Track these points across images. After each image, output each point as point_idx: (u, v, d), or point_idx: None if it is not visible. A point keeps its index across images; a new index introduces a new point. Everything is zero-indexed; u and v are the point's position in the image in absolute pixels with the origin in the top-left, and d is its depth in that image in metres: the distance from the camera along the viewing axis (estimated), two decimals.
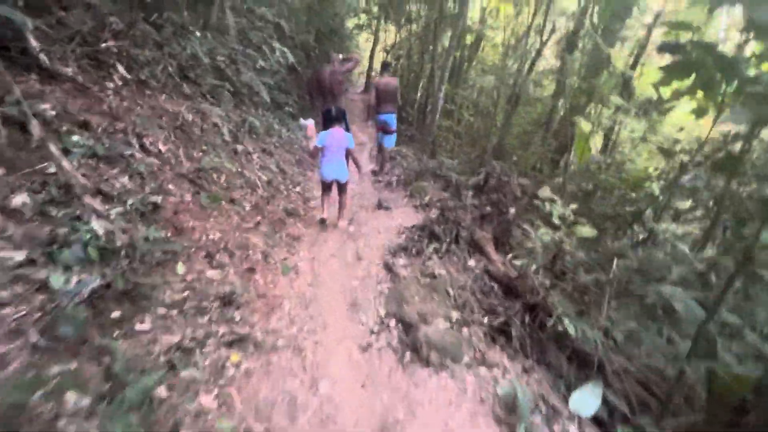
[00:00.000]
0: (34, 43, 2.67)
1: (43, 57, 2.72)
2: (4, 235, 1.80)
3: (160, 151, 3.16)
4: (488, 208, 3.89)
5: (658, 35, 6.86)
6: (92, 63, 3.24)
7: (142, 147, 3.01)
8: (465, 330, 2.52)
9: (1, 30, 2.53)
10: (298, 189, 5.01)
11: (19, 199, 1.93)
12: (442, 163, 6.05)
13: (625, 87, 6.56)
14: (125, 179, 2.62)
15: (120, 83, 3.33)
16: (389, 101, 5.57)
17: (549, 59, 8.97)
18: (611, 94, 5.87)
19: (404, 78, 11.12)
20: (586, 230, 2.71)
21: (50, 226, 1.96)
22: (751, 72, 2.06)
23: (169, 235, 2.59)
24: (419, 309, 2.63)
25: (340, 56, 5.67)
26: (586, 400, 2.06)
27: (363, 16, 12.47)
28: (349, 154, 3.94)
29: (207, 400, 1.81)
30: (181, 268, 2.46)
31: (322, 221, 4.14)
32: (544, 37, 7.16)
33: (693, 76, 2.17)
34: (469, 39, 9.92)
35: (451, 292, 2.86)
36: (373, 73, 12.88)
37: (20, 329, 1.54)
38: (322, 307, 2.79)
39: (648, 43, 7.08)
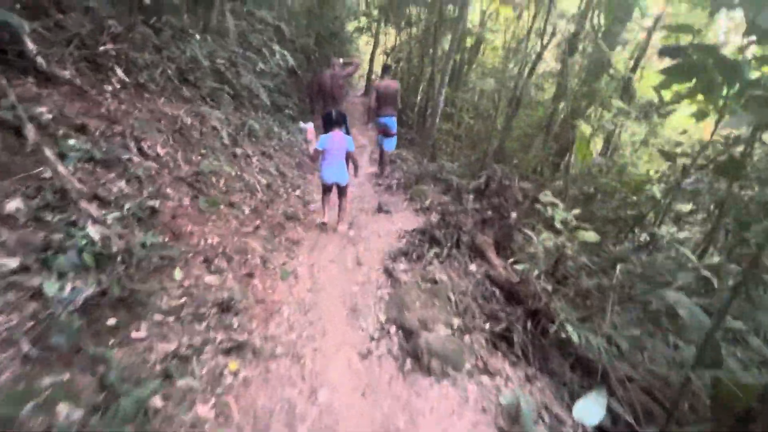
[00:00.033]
0: (31, 46, 2.64)
1: (40, 60, 2.70)
2: None
3: (158, 154, 3.13)
4: (489, 213, 3.85)
5: (658, 38, 6.86)
6: (90, 66, 3.21)
7: (140, 151, 2.98)
8: (466, 337, 2.48)
9: None
10: (297, 192, 4.98)
11: (13, 205, 1.90)
12: (443, 166, 6.02)
13: (626, 90, 6.55)
14: (122, 183, 2.59)
15: (118, 86, 3.31)
16: (389, 104, 5.56)
17: (549, 62, 8.97)
18: (612, 97, 5.85)
19: (404, 81, 11.12)
20: (590, 235, 2.68)
21: (45, 232, 1.92)
22: (753, 75, 2.04)
23: (166, 240, 2.56)
24: (420, 315, 2.60)
25: (341, 61, 5.66)
26: (591, 409, 2.02)
27: (363, 19, 12.50)
28: (349, 156, 3.92)
29: (204, 410, 1.77)
30: (178, 273, 2.42)
31: (322, 225, 4.11)
32: (545, 40, 7.15)
33: (693, 79, 2.14)
34: (469, 42, 9.93)
35: (452, 297, 2.82)
36: (373, 76, 12.89)
37: (11, 339, 1.50)
38: (321, 313, 2.75)
39: (648, 46, 7.08)
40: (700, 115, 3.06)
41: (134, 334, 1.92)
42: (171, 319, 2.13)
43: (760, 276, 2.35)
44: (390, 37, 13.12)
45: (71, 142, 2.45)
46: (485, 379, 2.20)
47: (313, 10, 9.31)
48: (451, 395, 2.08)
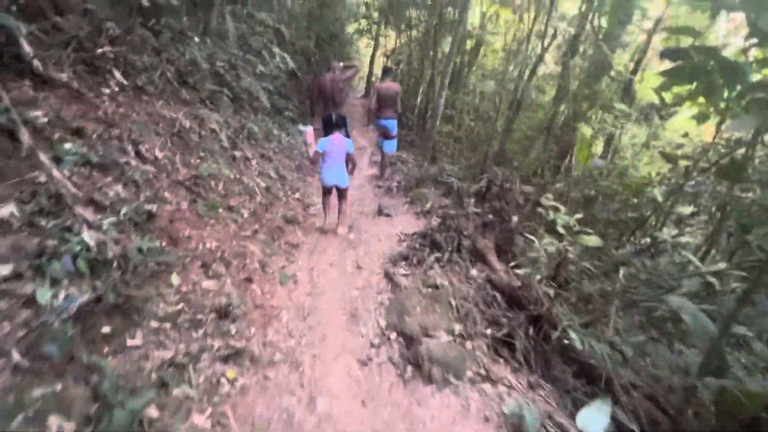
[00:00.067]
0: (27, 48, 2.61)
1: (36, 63, 2.66)
2: None
3: (156, 158, 3.10)
4: (490, 216, 3.82)
5: (658, 40, 6.85)
6: (88, 69, 3.18)
7: (138, 154, 2.95)
8: (468, 343, 2.45)
9: None
10: (297, 195, 4.95)
11: (7, 210, 1.87)
12: (443, 169, 5.99)
13: (627, 92, 6.53)
14: (119, 187, 2.56)
15: (116, 89, 3.28)
16: (390, 106, 5.54)
17: (550, 64, 8.95)
18: (612, 99, 5.83)
19: (404, 83, 11.11)
20: (592, 240, 2.64)
21: (39, 238, 1.89)
22: (755, 78, 2.01)
23: (163, 244, 2.53)
24: (421, 321, 2.56)
25: (341, 64, 5.64)
26: (595, 417, 1.98)
27: (363, 22, 12.52)
28: (349, 158, 3.89)
29: (200, 420, 1.73)
30: (175, 279, 2.39)
31: (322, 228, 4.08)
32: (545, 43, 7.13)
33: (694, 81, 2.12)
34: (469, 44, 9.92)
35: (453, 302, 2.79)
36: (373, 78, 12.89)
37: (2, 349, 1.46)
38: (320, 318, 2.71)
39: (649, 48, 7.06)
40: (701, 118, 3.03)
41: (129, 342, 1.88)
42: (167, 325, 2.09)
43: (766, 281, 2.32)
44: (390, 39, 13.13)
45: (67, 145, 2.41)
46: (487, 387, 2.16)
47: (313, 13, 9.31)
48: (452, 404, 2.04)
